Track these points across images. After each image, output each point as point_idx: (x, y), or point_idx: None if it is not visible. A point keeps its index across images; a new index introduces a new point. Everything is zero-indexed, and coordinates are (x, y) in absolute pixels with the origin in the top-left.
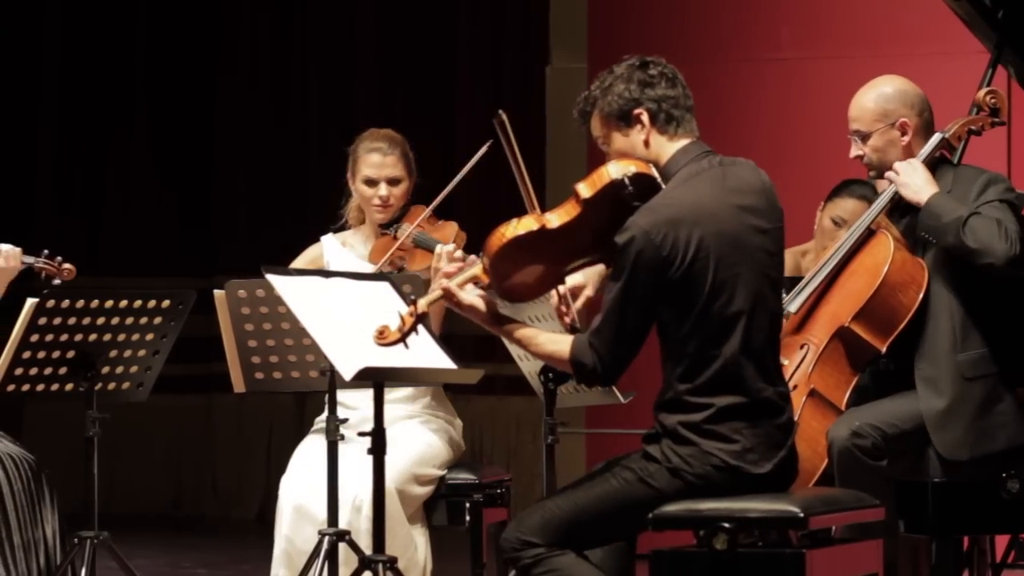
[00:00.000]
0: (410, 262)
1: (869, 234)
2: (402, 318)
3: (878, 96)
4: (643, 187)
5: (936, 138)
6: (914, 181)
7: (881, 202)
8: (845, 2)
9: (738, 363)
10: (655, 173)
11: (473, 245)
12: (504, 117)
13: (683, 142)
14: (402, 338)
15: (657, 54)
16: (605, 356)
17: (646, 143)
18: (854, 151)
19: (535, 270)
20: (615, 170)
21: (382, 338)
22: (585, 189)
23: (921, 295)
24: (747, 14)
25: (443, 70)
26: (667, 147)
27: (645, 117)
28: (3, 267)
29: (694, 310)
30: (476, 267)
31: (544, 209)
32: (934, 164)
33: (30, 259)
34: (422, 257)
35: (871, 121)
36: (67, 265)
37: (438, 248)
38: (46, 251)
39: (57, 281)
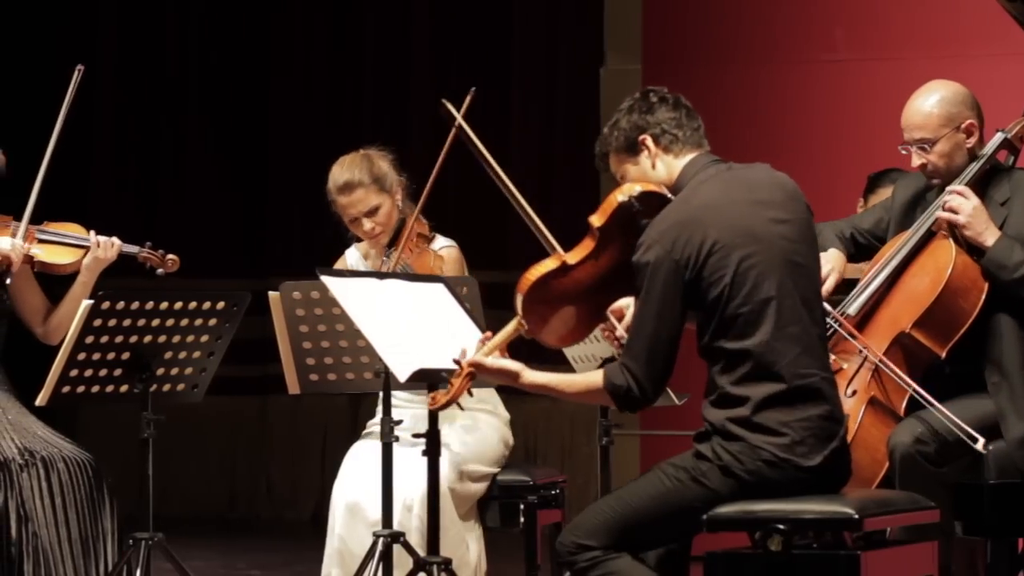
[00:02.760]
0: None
1: (930, 236)
2: (451, 382)
3: (939, 101)
4: (651, 204)
5: (998, 138)
6: (976, 224)
7: (940, 204)
8: (899, 4)
9: (772, 349)
10: (664, 191)
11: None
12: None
13: (690, 156)
14: (452, 400)
15: (711, 56)
16: (640, 374)
17: (654, 165)
18: (917, 160)
19: (571, 310)
20: (621, 194)
21: (434, 403)
22: (597, 219)
23: (982, 299)
24: (801, 15)
25: (497, 73)
26: (675, 164)
27: (649, 141)
28: (102, 257)
29: (719, 304)
30: (512, 322)
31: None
32: (989, 172)
33: (132, 248)
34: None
35: (937, 127)
36: (171, 256)
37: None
38: (148, 243)
39: (161, 271)
